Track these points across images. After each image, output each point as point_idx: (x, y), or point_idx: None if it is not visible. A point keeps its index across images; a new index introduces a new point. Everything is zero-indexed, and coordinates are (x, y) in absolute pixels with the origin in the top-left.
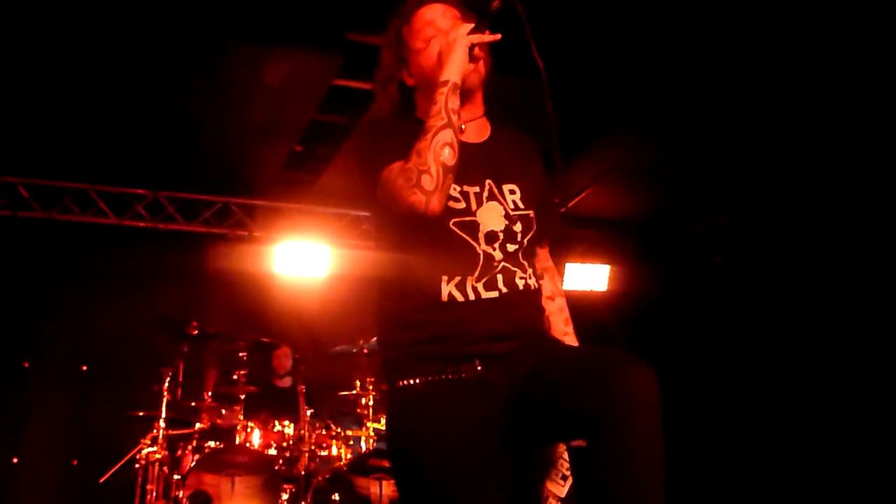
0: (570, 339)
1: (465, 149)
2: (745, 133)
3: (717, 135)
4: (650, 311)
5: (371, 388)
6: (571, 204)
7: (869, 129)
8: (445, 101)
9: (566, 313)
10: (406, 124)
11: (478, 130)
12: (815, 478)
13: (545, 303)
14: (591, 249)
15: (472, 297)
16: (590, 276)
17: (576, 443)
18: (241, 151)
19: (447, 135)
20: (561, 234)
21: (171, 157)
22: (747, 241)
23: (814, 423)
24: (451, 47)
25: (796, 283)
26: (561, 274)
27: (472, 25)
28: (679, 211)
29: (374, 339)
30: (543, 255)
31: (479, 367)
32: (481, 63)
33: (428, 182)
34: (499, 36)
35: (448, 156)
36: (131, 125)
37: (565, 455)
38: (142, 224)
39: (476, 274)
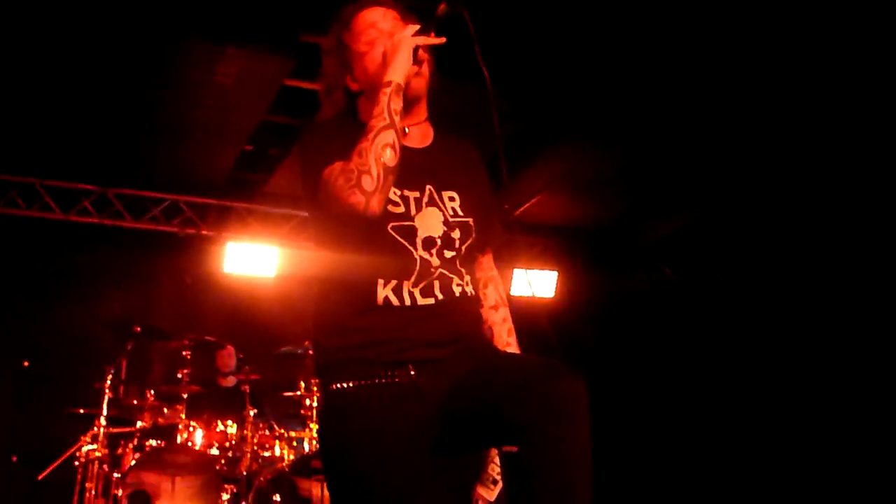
0: (513, 350)
1: (406, 153)
2: (694, 144)
3: (669, 145)
4: (597, 319)
5: (315, 389)
6: (521, 210)
7: (822, 134)
8: (388, 102)
9: (509, 323)
10: (349, 127)
11: (421, 135)
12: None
13: (488, 313)
14: (541, 256)
15: (407, 302)
16: (538, 283)
17: (507, 448)
18: (192, 150)
19: (389, 136)
20: (504, 243)
21: (121, 154)
22: (696, 251)
23: (759, 429)
24: (395, 48)
25: (744, 294)
26: (508, 279)
27: (417, 27)
28: (629, 220)
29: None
30: (487, 263)
31: (412, 373)
32: (425, 66)
33: (368, 183)
34: (444, 39)
35: (389, 157)
36: (81, 120)
37: (496, 459)
38: (89, 220)
39: (413, 279)
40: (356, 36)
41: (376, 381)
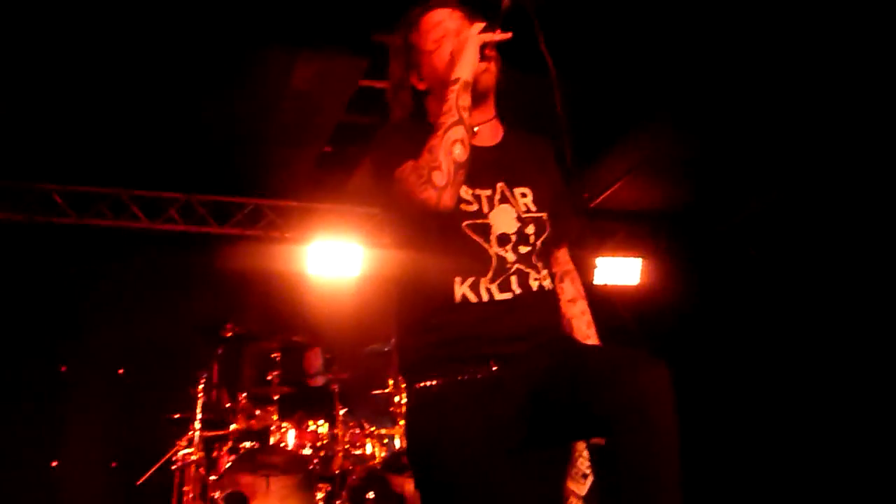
0: (593, 342)
1: (477, 152)
2: (777, 123)
3: (750, 125)
4: (683, 304)
5: (404, 386)
6: (602, 198)
7: None
8: (457, 99)
9: (588, 316)
10: (419, 128)
11: (490, 133)
12: (854, 476)
13: (566, 306)
14: (624, 243)
15: (485, 298)
16: (622, 270)
17: (595, 440)
18: (272, 154)
19: (458, 131)
20: (580, 235)
21: (203, 161)
22: (781, 232)
23: (848, 420)
24: (462, 46)
25: (832, 275)
26: (593, 268)
27: (483, 25)
28: (712, 203)
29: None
30: (563, 257)
31: (494, 368)
32: (493, 63)
33: (439, 178)
34: (510, 34)
35: (459, 152)
36: (162, 130)
37: (585, 453)
38: (174, 227)
39: (489, 275)
40: (423, 36)
41: (459, 378)
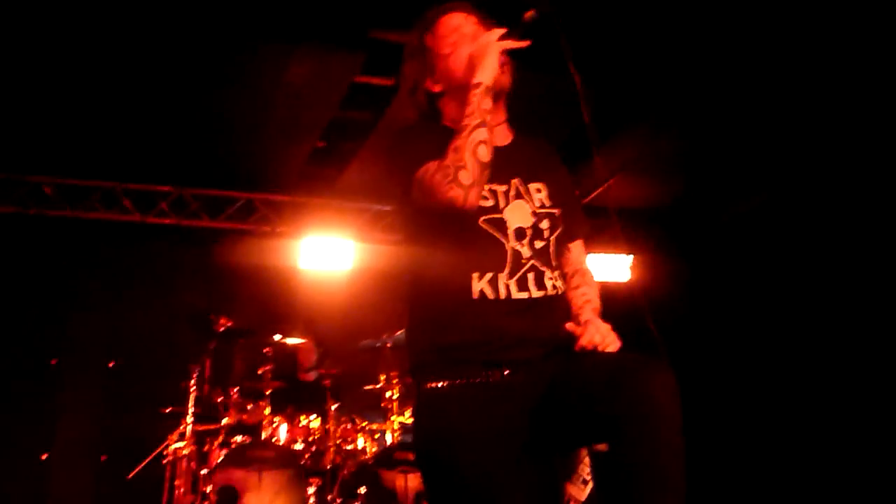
0: (593, 322)
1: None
2: (767, 121)
3: (740, 124)
4: (673, 301)
5: (396, 381)
6: (593, 195)
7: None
8: (479, 102)
9: (593, 304)
10: (434, 130)
11: (502, 135)
12: (847, 475)
13: (571, 293)
14: (613, 240)
15: (503, 294)
16: (612, 267)
17: (598, 447)
18: (265, 148)
19: (482, 133)
20: (589, 235)
21: (195, 155)
22: (772, 230)
23: (841, 418)
24: (483, 52)
25: (823, 272)
26: None
27: (503, 31)
28: (702, 200)
29: (399, 332)
30: (576, 256)
31: (506, 372)
32: (507, 68)
33: (465, 177)
34: (529, 42)
35: (483, 152)
36: (155, 123)
37: (586, 459)
38: (167, 221)
39: (507, 271)
40: (439, 39)
41: (470, 380)
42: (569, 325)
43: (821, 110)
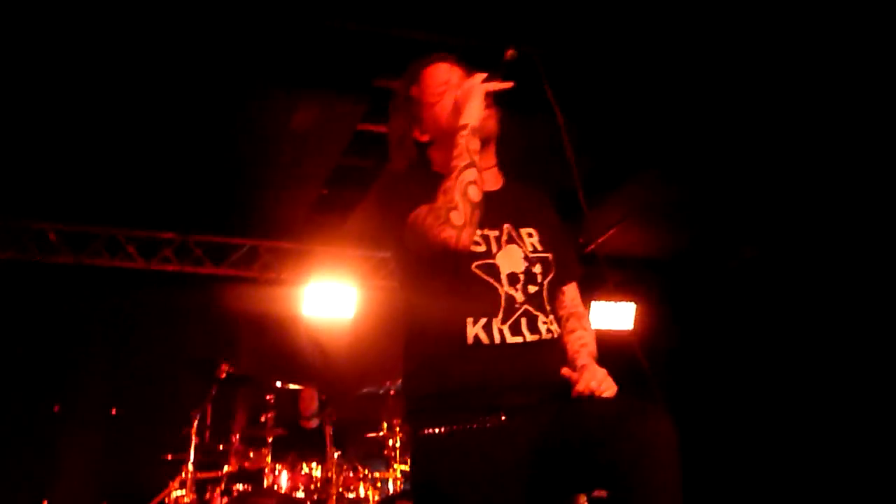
0: (589, 367)
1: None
2: (768, 172)
3: (742, 175)
4: (676, 349)
5: (398, 429)
6: (597, 243)
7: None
8: (467, 143)
9: (589, 348)
10: (425, 176)
11: (493, 180)
12: None
13: (567, 337)
14: (618, 288)
15: (497, 339)
16: (616, 315)
17: (597, 493)
18: (269, 195)
19: (471, 173)
20: (582, 277)
21: (199, 201)
22: (773, 279)
23: (836, 467)
24: (467, 94)
25: (824, 322)
26: (587, 312)
27: (486, 74)
28: (704, 250)
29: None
30: (571, 300)
31: (503, 418)
32: (493, 112)
33: (457, 217)
34: (512, 83)
35: (474, 193)
36: (159, 170)
37: None
38: (170, 268)
39: (500, 316)
40: (425, 89)
41: (467, 426)
42: (565, 371)
43: (820, 160)
